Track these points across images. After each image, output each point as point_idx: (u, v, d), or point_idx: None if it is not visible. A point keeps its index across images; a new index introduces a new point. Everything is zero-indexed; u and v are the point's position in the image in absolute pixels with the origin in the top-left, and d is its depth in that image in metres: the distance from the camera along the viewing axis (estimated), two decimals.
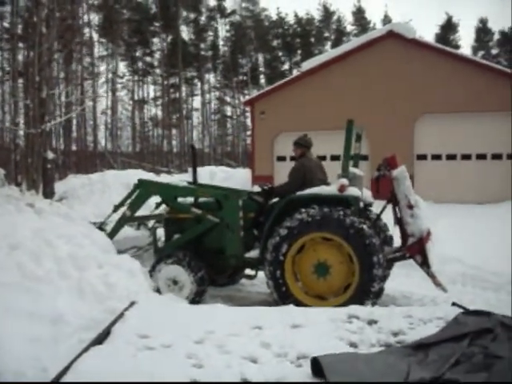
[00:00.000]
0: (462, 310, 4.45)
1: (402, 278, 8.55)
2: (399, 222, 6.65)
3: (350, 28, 51.17)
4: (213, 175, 24.33)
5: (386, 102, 18.56)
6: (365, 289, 5.91)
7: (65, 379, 3.20)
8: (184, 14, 46.95)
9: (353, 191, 6.20)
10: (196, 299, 6.57)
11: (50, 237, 6.40)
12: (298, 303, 5.93)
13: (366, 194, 7.20)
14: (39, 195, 12.57)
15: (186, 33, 48.20)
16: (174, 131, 48.73)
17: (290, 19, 51.05)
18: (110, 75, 43.19)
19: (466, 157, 18.58)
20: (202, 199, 7.16)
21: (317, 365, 3.06)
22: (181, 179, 8.22)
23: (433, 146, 18.72)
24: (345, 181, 6.16)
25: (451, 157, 18.75)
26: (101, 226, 7.52)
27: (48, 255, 6.05)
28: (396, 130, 18.42)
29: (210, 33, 49.35)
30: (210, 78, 51.32)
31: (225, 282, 7.86)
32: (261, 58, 50.58)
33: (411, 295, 7.88)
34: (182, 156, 44.78)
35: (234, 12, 49.33)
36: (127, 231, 7.83)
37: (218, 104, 52.12)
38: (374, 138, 18.35)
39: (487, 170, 17.94)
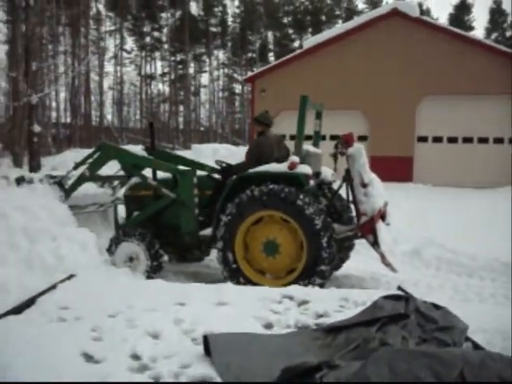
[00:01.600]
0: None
1: (375, 260, 8.35)
2: (353, 200, 6.52)
3: (361, 6, 50.35)
4: (215, 152, 24.20)
5: (388, 82, 18.15)
6: (310, 269, 5.81)
7: None
8: None
9: (303, 169, 6.04)
10: (151, 275, 6.54)
11: (6, 208, 6.33)
12: (247, 280, 5.97)
13: (326, 173, 7.01)
14: (23, 168, 12.50)
15: (194, 8, 47.62)
16: (181, 108, 48.47)
17: None
18: (118, 50, 42.90)
19: (468, 140, 18.18)
20: (160, 176, 7.14)
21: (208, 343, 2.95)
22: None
23: (434, 129, 18.33)
24: (295, 158, 6.02)
25: (452, 140, 18.37)
26: (60, 181, 7.44)
27: (0, 227, 5.99)
28: (397, 111, 18.04)
29: (220, 8, 48.64)
30: (219, 54, 50.80)
31: (192, 258, 7.79)
32: (270, 35, 49.86)
33: (380, 277, 7.73)
34: (187, 133, 44.59)
35: None
36: (89, 188, 7.80)
37: (226, 81, 51.66)
38: (374, 118, 18.05)
39: (488, 155, 17.56)
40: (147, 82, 48.33)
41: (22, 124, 13.21)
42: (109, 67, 46.59)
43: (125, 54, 45.88)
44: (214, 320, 3.61)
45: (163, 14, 45.94)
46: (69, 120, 38.99)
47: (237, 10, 49.21)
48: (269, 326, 3.65)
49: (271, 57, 49.65)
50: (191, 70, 48.41)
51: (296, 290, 4.56)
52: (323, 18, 48.24)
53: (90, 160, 7.36)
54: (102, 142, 7.52)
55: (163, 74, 49.20)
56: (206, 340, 2.96)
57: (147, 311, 3.82)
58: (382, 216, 6.50)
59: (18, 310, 3.85)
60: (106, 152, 7.24)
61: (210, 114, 49.71)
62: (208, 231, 6.50)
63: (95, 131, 38.87)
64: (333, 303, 4.16)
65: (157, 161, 7.11)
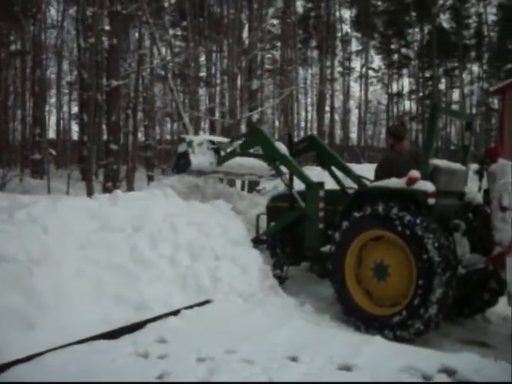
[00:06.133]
0: None
1: None
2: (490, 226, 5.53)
3: None
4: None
5: None
6: (422, 298, 4.91)
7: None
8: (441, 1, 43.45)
9: (423, 185, 5.22)
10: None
11: (180, 223, 6.24)
12: (356, 306, 5.45)
13: (474, 194, 6.13)
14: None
15: (445, 21, 44.76)
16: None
17: None
18: (364, 69, 42.91)
19: None
20: (297, 189, 6.92)
21: None
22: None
23: None
24: (415, 173, 5.28)
25: None
26: (218, 148, 7.82)
27: (167, 240, 5.90)
28: None
29: (474, 18, 44.79)
30: (473, 67, 46.79)
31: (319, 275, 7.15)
32: None
33: None
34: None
35: None
36: (249, 160, 7.99)
37: (480, 96, 47.25)
38: None
39: None
40: (394, 100, 47.22)
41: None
42: (355, 87, 46.89)
43: (371, 73, 45.66)
44: None
45: (411, 30, 44.37)
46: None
47: (494, 18, 44.71)
48: None
49: None
50: (442, 86, 45.62)
51: (465, 361, 3.23)
52: None
53: (243, 139, 7.64)
54: (254, 127, 7.63)
55: (411, 92, 47.51)
56: None
57: (243, 363, 3.06)
58: None
59: (113, 334, 3.51)
60: (255, 138, 7.37)
61: (461, 132, 45.99)
62: (328, 248, 6.05)
63: (338, 150, 39.30)
64: None
65: (293, 164, 6.96)
